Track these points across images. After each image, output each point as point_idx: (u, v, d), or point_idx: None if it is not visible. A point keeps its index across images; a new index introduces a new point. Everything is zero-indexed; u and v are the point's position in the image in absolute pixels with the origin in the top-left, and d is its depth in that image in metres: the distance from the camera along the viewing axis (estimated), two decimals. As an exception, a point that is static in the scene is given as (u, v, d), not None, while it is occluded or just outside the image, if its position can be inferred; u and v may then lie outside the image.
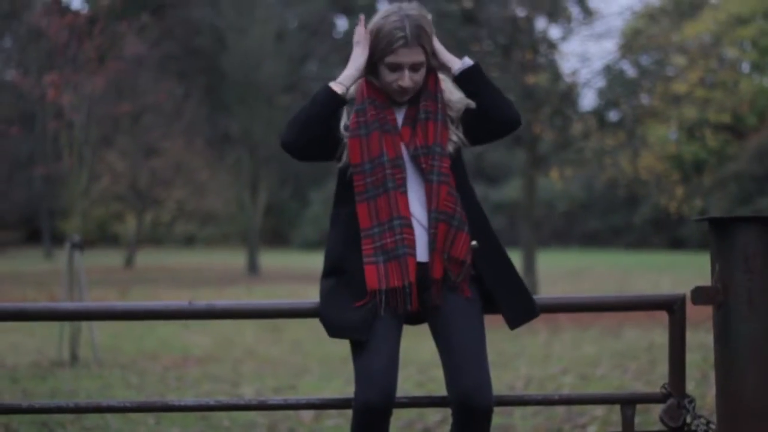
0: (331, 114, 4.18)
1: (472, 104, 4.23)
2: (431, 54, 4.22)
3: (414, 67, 4.17)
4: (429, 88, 4.25)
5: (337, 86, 4.18)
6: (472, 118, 4.25)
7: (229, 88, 42.51)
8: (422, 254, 4.15)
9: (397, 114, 4.26)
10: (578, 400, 4.73)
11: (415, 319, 4.24)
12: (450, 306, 4.14)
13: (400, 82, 4.17)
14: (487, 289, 4.20)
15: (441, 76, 4.31)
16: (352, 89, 4.29)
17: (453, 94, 4.26)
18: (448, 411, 4.11)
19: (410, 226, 4.11)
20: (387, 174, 4.13)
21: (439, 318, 4.15)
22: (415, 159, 4.18)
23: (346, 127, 4.22)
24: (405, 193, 4.15)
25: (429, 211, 4.13)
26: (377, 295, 4.08)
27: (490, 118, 4.23)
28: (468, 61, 4.25)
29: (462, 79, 4.24)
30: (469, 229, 4.18)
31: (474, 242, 4.17)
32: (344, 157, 4.23)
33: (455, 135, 4.25)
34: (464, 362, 4.03)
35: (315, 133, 4.16)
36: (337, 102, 4.18)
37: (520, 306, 4.22)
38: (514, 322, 4.20)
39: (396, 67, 4.17)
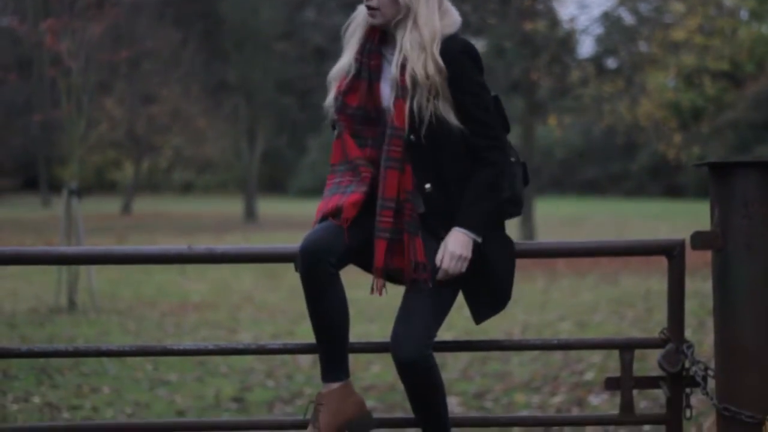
0: None
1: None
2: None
3: None
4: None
5: None
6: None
7: (226, 34, 42.36)
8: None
9: (388, 62, 4.09)
10: (577, 345, 4.72)
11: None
12: None
13: (365, 1, 4.01)
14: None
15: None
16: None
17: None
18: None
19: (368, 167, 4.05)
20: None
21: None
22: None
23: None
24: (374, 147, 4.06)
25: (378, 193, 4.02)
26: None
27: None
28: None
29: None
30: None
31: (427, 185, 4.02)
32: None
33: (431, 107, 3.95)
34: (399, 315, 4.00)
35: None
36: None
37: (485, 300, 4.15)
38: (477, 317, 4.14)
39: None
